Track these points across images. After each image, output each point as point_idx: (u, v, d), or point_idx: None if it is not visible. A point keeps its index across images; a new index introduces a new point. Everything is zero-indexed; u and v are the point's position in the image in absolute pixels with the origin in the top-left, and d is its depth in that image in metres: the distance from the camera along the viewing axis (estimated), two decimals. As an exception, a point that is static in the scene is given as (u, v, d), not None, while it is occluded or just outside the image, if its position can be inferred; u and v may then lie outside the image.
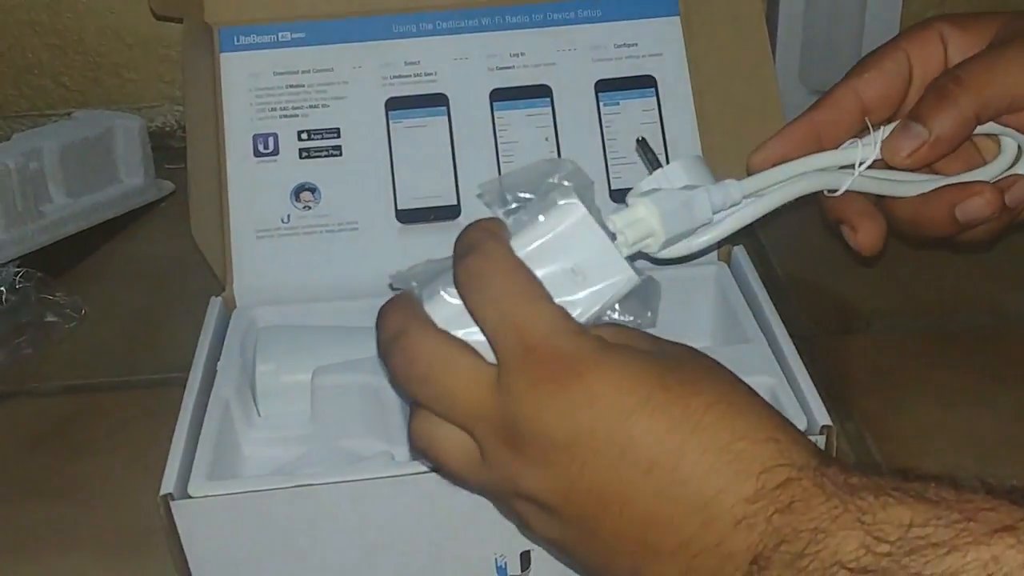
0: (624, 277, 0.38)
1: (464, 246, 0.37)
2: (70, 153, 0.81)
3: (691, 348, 0.39)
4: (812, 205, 0.81)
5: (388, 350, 0.38)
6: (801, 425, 0.45)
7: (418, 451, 0.39)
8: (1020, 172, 0.46)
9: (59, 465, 0.61)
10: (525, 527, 0.38)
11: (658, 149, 0.59)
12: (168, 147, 0.96)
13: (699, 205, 0.40)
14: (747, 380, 0.47)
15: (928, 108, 0.44)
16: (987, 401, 0.61)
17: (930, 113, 0.44)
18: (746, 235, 0.55)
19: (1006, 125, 0.46)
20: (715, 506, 0.32)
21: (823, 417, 0.45)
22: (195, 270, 0.75)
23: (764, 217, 0.43)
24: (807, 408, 0.46)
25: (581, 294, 0.37)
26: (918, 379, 0.64)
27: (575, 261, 0.37)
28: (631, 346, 0.36)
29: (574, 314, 0.36)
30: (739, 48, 0.58)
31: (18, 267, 0.73)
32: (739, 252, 0.57)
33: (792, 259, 0.72)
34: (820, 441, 0.44)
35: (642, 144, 0.45)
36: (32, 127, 0.88)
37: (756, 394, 0.36)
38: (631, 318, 0.38)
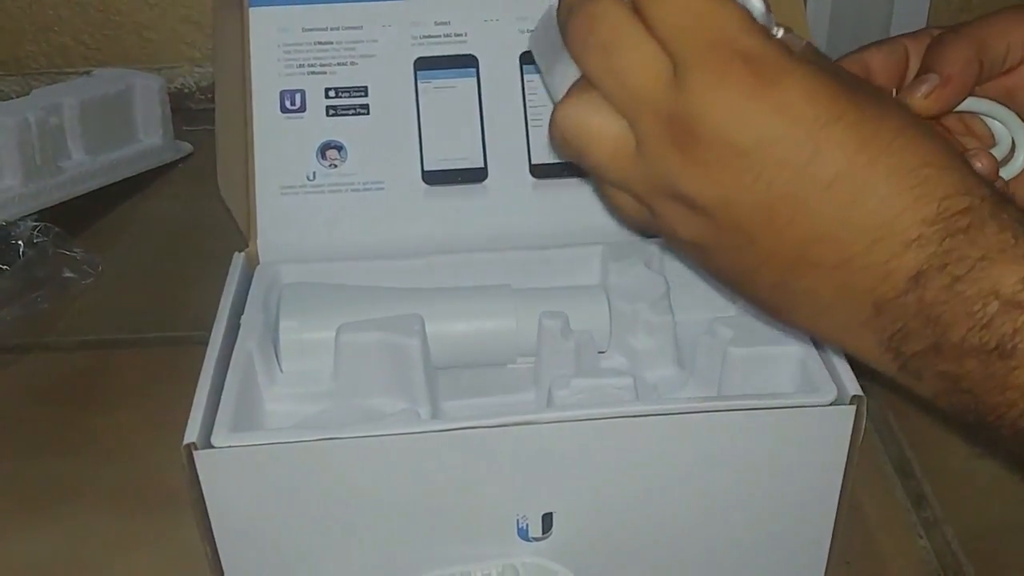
0: None
1: None
2: (90, 110, 0.80)
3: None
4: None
5: (572, 10, 0.36)
6: (830, 395, 0.44)
7: (561, 137, 0.38)
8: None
9: (73, 420, 0.61)
10: (666, 227, 0.38)
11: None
12: (186, 109, 0.96)
13: None
14: (776, 349, 0.48)
15: (933, 55, 0.47)
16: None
17: (935, 58, 0.46)
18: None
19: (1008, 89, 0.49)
20: (892, 226, 0.33)
21: (854, 387, 0.44)
22: (212, 231, 0.75)
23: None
24: (837, 378, 0.45)
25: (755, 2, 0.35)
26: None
27: None
28: (818, 62, 0.35)
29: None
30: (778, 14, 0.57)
31: (36, 222, 0.73)
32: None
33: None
34: (850, 412, 0.44)
35: None
36: (51, 84, 0.87)
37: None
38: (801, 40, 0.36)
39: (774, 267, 0.35)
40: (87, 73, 0.89)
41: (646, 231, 0.38)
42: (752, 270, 0.36)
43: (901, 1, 0.83)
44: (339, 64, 0.58)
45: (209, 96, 0.98)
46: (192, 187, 0.85)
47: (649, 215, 0.38)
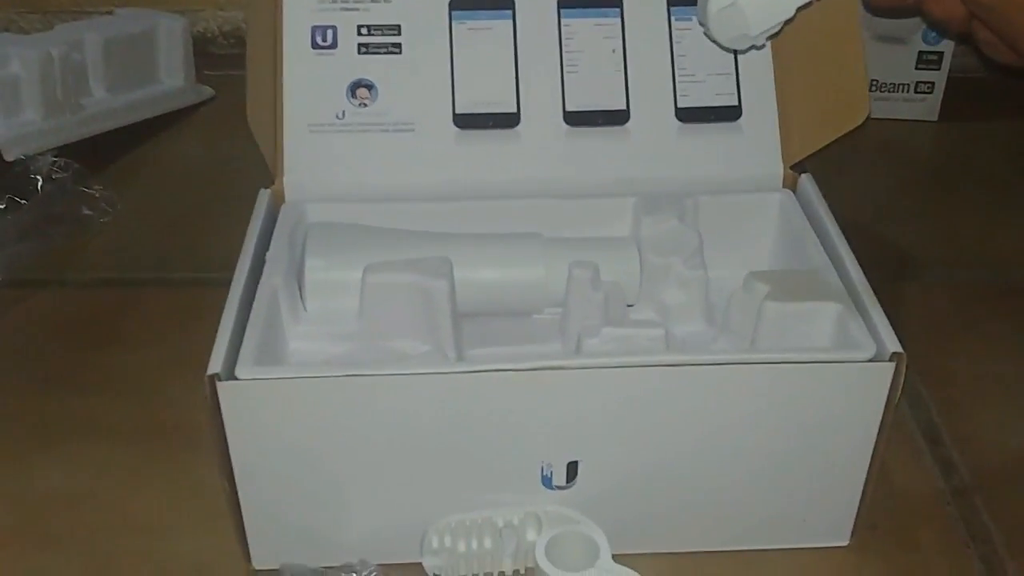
0: None
1: None
2: (113, 48, 0.79)
3: None
4: (869, 153, 0.80)
5: None
6: (869, 351, 0.43)
7: None
8: None
9: (90, 357, 0.60)
10: None
11: (729, 70, 0.57)
12: (209, 53, 0.94)
13: None
14: (813, 305, 0.47)
15: None
16: (1042, 355, 0.60)
17: None
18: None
19: None
20: None
21: (894, 344, 0.43)
22: (233, 175, 0.74)
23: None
24: (877, 335, 0.44)
25: None
26: (971, 329, 0.63)
27: None
28: None
29: None
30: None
31: (55, 157, 0.72)
32: (806, 180, 0.56)
33: (847, 205, 0.71)
34: (889, 369, 0.43)
35: None
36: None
37: None
38: None
39: None
40: (109, 13, 0.88)
41: (903, 7, 0.48)
42: None
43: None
44: (372, 1, 0.56)
45: (232, 41, 0.96)
46: (213, 131, 0.84)
47: None
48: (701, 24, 0.50)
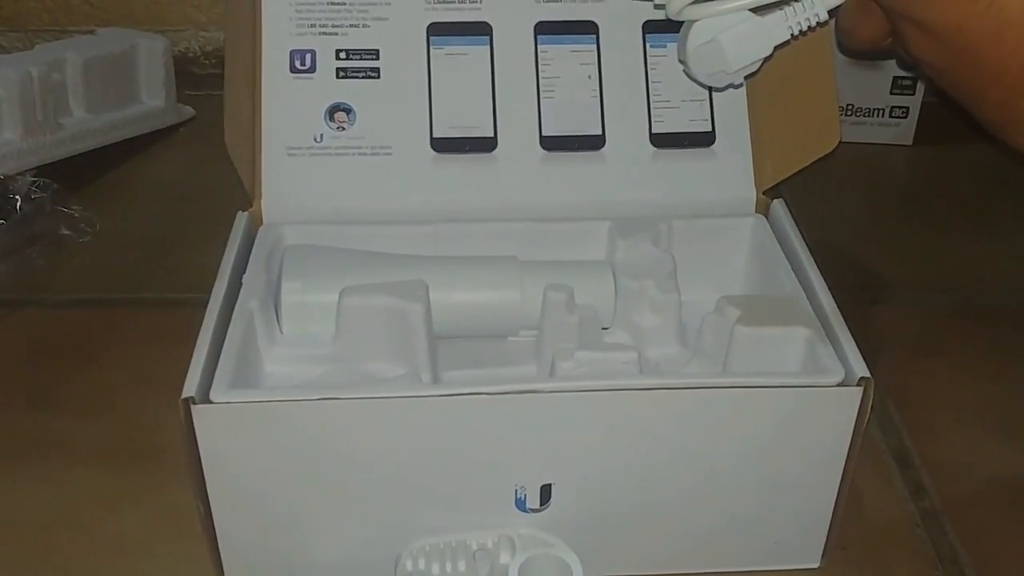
0: None
1: None
2: (93, 67, 0.79)
3: None
4: (844, 176, 0.81)
5: None
6: (838, 376, 0.44)
7: None
8: None
9: (66, 377, 0.60)
10: (904, 47, 0.45)
11: (703, 96, 0.58)
12: (190, 73, 0.95)
13: None
14: (783, 330, 0.47)
15: None
16: (1011, 379, 0.61)
17: None
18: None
19: None
20: None
21: (862, 369, 0.44)
22: (212, 196, 0.74)
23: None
24: (845, 360, 0.45)
25: None
26: (942, 352, 0.63)
27: None
28: None
29: None
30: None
31: (34, 177, 0.72)
32: (779, 205, 0.56)
33: (821, 227, 0.72)
34: (857, 393, 0.43)
35: None
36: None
37: None
38: None
39: (1001, 87, 0.41)
40: (91, 32, 0.88)
41: (876, 51, 0.48)
42: (980, 90, 0.42)
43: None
44: (351, 26, 0.57)
45: (213, 61, 0.96)
46: (193, 151, 0.84)
47: (889, 34, 0.45)
48: (681, 61, 0.51)
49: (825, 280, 0.50)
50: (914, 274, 0.71)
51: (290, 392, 0.43)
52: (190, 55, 0.96)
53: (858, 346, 0.45)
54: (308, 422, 0.42)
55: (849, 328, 0.47)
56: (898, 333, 0.65)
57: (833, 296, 0.49)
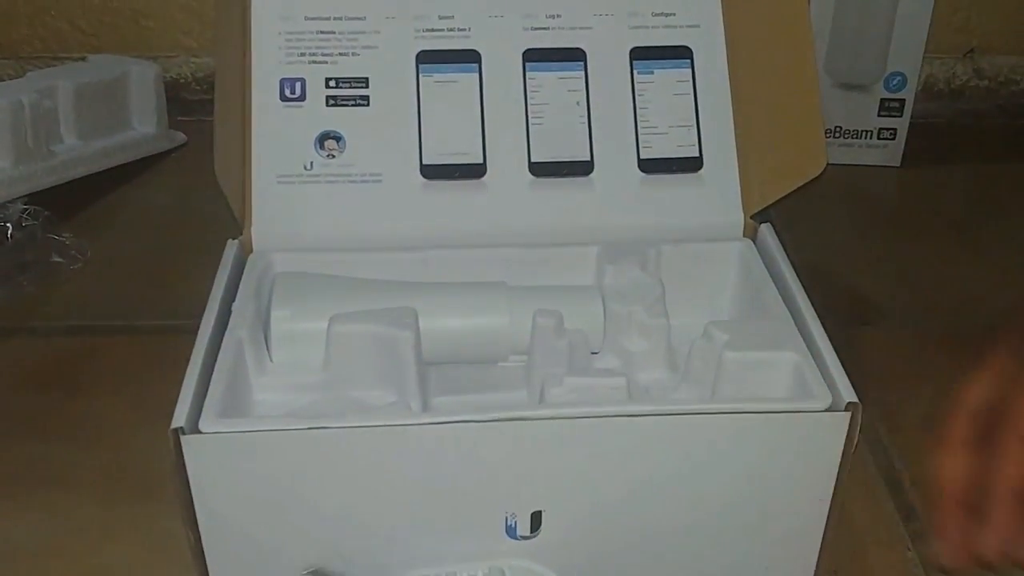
0: None
1: None
2: (84, 95, 0.80)
3: None
4: (833, 198, 0.81)
5: None
6: (825, 401, 0.44)
7: None
8: None
9: (57, 405, 0.60)
10: None
11: (691, 122, 0.58)
12: (182, 99, 0.95)
13: None
14: (771, 354, 0.47)
15: None
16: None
17: None
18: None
19: None
20: None
21: (849, 394, 0.44)
22: (203, 222, 0.74)
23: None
24: (833, 385, 0.45)
25: None
26: (931, 374, 0.63)
27: None
28: None
29: None
30: (778, 24, 0.57)
31: (25, 205, 0.72)
32: (766, 229, 0.57)
33: (811, 251, 0.72)
34: (844, 418, 0.43)
35: None
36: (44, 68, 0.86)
37: None
38: None
39: None
40: (82, 59, 0.88)
41: None
42: None
43: (902, 10, 0.83)
44: (340, 54, 0.57)
45: (205, 87, 0.97)
46: (185, 177, 0.85)
47: None
48: None
49: (814, 303, 0.50)
50: (903, 296, 0.71)
51: (278, 421, 0.44)
52: (181, 81, 0.97)
53: (848, 369, 0.45)
54: (296, 451, 0.42)
55: (839, 351, 0.47)
56: (888, 356, 0.65)
57: (823, 319, 0.49)
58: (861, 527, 0.52)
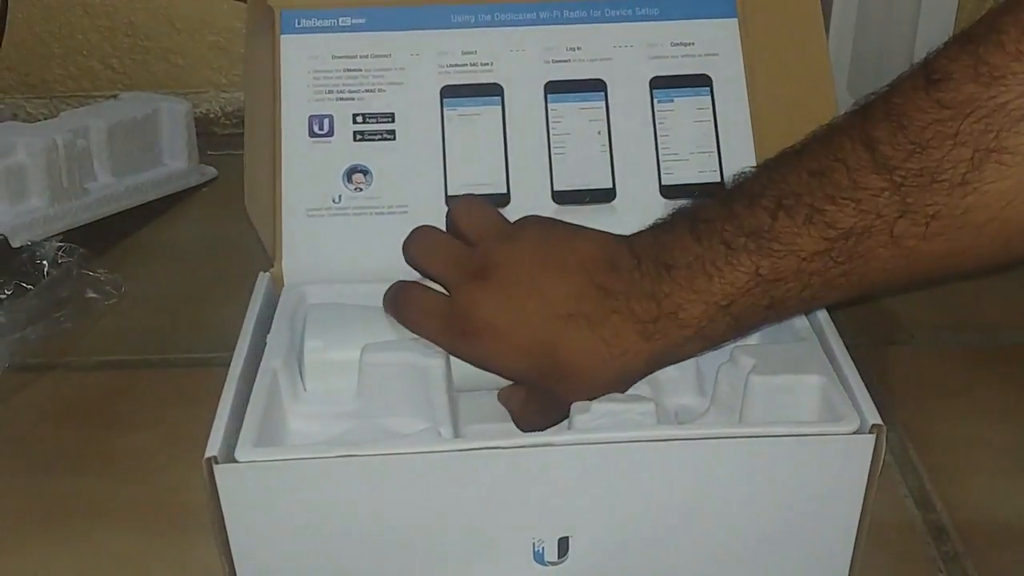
0: None
1: None
2: (117, 133, 0.81)
3: None
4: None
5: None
6: (852, 424, 0.44)
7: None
8: None
9: (93, 440, 0.61)
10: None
11: (711, 148, 0.59)
12: (212, 134, 0.97)
13: None
14: (797, 378, 0.48)
15: None
16: (1030, 418, 0.61)
17: None
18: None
19: None
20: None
21: (874, 416, 0.44)
22: (235, 255, 0.76)
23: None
24: (858, 407, 0.45)
25: None
26: (961, 393, 0.63)
27: None
28: None
29: None
30: (796, 51, 0.58)
31: (61, 242, 0.74)
32: (789, 253, 0.57)
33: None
34: (870, 441, 0.44)
35: None
36: (78, 107, 0.88)
37: None
38: None
39: None
40: (114, 97, 0.90)
41: None
42: None
43: (922, 34, 0.84)
44: (367, 91, 0.59)
45: (234, 122, 0.99)
46: (216, 211, 0.86)
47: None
48: None
49: (840, 321, 0.51)
50: (930, 313, 0.71)
51: (311, 449, 0.44)
52: (211, 116, 0.99)
53: (876, 388, 0.46)
54: (329, 479, 0.43)
55: (867, 370, 0.47)
56: (916, 374, 0.65)
57: (850, 337, 0.49)
58: (892, 548, 0.52)
